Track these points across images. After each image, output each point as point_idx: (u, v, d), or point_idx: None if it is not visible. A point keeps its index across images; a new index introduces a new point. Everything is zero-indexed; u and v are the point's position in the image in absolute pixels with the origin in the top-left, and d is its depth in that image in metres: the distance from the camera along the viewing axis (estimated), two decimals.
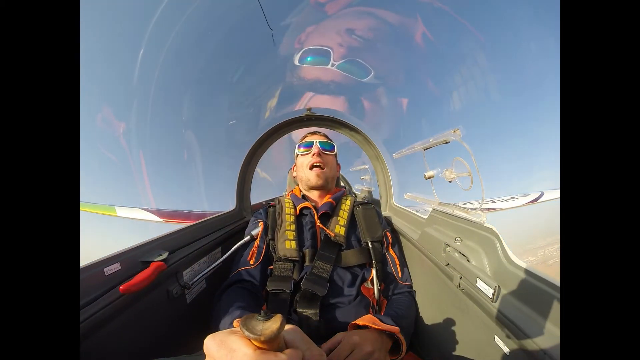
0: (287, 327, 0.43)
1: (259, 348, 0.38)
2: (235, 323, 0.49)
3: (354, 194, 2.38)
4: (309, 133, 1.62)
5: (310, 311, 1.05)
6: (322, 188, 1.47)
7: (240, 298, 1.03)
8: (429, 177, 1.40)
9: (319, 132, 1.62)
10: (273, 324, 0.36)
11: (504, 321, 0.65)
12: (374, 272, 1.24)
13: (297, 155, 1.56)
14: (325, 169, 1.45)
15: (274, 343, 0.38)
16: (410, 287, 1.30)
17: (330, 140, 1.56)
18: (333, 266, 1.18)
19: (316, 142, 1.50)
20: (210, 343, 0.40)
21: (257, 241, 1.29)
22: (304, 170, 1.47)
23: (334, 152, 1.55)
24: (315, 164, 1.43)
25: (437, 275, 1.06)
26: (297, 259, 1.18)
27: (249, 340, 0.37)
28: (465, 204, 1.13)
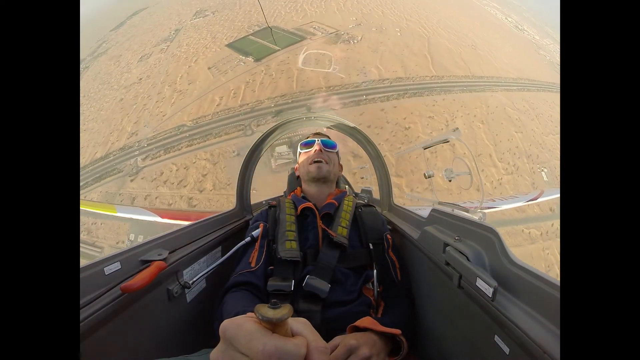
0: (297, 319, 0.47)
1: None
2: (248, 314, 0.53)
3: (355, 194, 2.39)
4: (311, 134, 1.67)
5: (311, 311, 1.05)
6: (323, 181, 1.49)
7: (243, 301, 1.04)
8: (429, 177, 1.40)
9: (322, 132, 1.68)
10: (283, 310, 0.42)
11: (504, 321, 0.65)
12: (374, 273, 1.24)
13: (300, 153, 1.61)
14: (327, 163, 1.50)
15: (283, 328, 0.43)
16: (410, 290, 1.30)
17: (331, 140, 1.61)
18: (335, 267, 1.18)
19: (318, 140, 1.54)
20: (229, 326, 0.43)
21: (258, 243, 1.28)
22: (306, 166, 1.52)
23: (336, 150, 1.59)
24: (316, 160, 1.48)
25: (437, 274, 1.06)
26: (298, 259, 1.17)
27: (262, 324, 0.43)
28: (465, 202, 1.13)
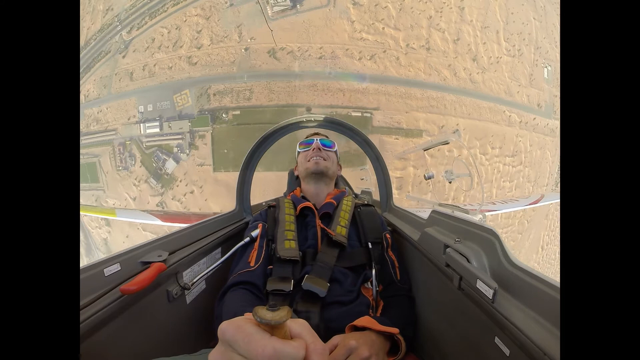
0: (295, 320, 0.48)
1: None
2: (247, 315, 0.53)
3: (355, 194, 2.39)
4: (310, 134, 1.70)
5: (310, 311, 1.05)
6: (321, 177, 1.51)
7: (243, 300, 1.04)
8: (429, 178, 1.40)
9: (320, 132, 1.72)
10: (281, 312, 0.43)
11: (504, 322, 0.65)
12: (373, 273, 1.23)
13: (299, 152, 1.64)
14: (326, 160, 1.52)
15: (281, 330, 0.43)
16: (409, 289, 1.30)
17: (330, 140, 1.65)
18: (334, 266, 1.17)
19: (316, 139, 1.58)
20: (227, 328, 0.43)
21: (257, 242, 1.29)
22: (304, 163, 1.55)
23: (334, 149, 1.62)
24: (314, 157, 1.51)
25: (437, 276, 1.06)
26: (297, 258, 1.17)
27: (260, 326, 0.43)
28: (465, 204, 1.13)
